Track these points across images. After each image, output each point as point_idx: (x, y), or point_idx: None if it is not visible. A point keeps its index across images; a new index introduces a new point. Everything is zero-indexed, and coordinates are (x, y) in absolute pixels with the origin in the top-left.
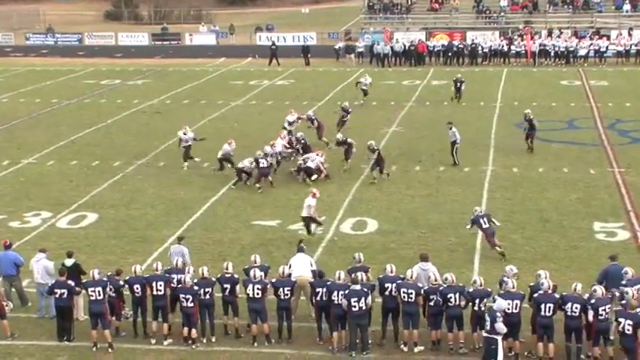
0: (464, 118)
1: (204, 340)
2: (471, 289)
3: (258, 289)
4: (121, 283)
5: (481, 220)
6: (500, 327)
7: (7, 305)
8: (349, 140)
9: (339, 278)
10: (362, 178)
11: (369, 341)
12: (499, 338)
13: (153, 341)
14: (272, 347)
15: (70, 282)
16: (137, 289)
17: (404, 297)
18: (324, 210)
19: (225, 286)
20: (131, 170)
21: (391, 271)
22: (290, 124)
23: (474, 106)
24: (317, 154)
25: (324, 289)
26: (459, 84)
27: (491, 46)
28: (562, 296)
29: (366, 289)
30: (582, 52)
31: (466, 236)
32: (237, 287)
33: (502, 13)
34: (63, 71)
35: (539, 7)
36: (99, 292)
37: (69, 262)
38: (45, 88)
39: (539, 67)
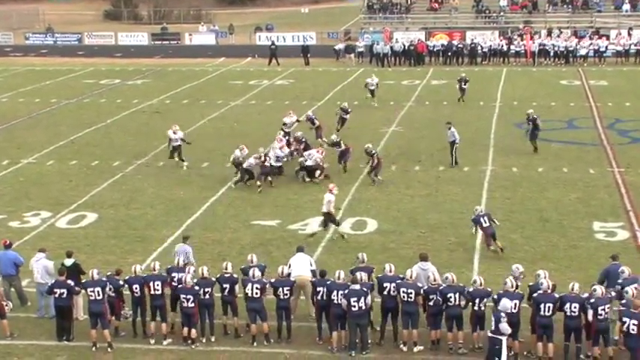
0: (463, 118)
1: (204, 340)
2: (470, 289)
3: (257, 288)
4: (121, 282)
5: (482, 219)
6: (505, 327)
7: (6, 305)
8: (342, 143)
9: (338, 278)
10: (361, 177)
11: (369, 341)
12: (503, 339)
13: (152, 341)
14: (271, 347)
15: (69, 282)
16: (136, 288)
17: (403, 297)
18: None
19: (224, 285)
20: (131, 170)
21: (390, 271)
22: (287, 125)
23: (473, 106)
24: (317, 151)
25: (324, 289)
26: (463, 83)
27: (490, 46)
28: (561, 297)
29: (365, 289)
30: (582, 52)
31: (466, 236)
32: (237, 287)
33: (501, 13)
34: (62, 71)
35: (539, 6)
36: (98, 292)
37: (68, 261)
38: (44, 88)
39: (538, 66)
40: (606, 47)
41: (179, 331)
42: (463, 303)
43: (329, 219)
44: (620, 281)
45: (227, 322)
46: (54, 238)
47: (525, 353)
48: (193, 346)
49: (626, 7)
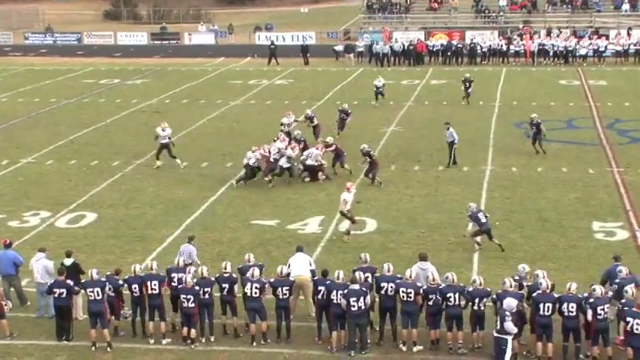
0: (463, 118)
1: (203, 340)
2: (470, 289)
3: (256, 288)
4: (120, 282)
5: (479, 215)
6: (510, 327)
7: (6, 305)
8: (336, 146)
9: (337, 278)
10: (361, 177)
11: (368, 341)
12: (509, 338)
13: (151, 341)
14: (271, 347)
15: (69, 281)
16: (135, 288)
17: (403, 296)
18: (323, 210)
19: (223, 285)
20: (130, 170)
21: (388, 270)
22: (286, 125)
23: (472, 106)
24: (316, 148)
25: (324, 289)
26: (467, 84)
27: (490, 46)
28: (559, 297)
29: (364, 289)
30: (581, 52)
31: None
32: (236, 287)
33: (501, 13)
34: (62, 71)
35: (538, 6)
36: (97, 292)
37: (68, 261)
38: (44, 88)
39: (538, 66)
40: (605, 47)
41: (179, 331)
42: (463, 303)
43: (345, 217)
44: (617, 280)
45: (226, 322)
46: (53, 237)
47: (525, 353)
48: (193, 346)
49: (626, 6)
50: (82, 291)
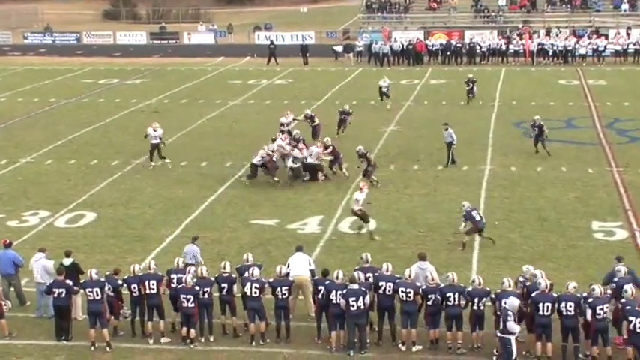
0: (462, 118)
1: (203, 340)
2: (469, 288)
3: (255, 287)
4: (119, 282)
5: (473, 214)
6: (512, 326)
7: (5, 304)
8: (334, 147)
9: (337, 277)
10: (360, 177)
11: (367, 340)
12: (512, 337)
13: (151, 341)
14: (270, 346)
15: (68, 281)
16: (134, 288)
17: (402, 296)
18: (322, 210)
19: (222, 285)
20: (129, 169)
21: (387, 270)
22: (285, 125)
23: (472, 106)
24: (316, 146)
25: (324, 288)
26: (471, 84)
27: (489, 46)
28: (558, 296)
29: (364, 289)
30: (580, 52)
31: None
32: (235, 286)
33: (500, 13)
34: (61, 70)
35: (538, 6)
36: (97, 291)
37: (67, 261)
38: (43, 87)
39: (537, 66)
40: (605, 47)
41: (178, 330)
42: (463, 303)
43: (358, 216)
44: (615, 279)
45: (225, 322)
46: (52, 237)
47: (524, 353)
48: (192, 346)
49: (625, 6)
50: (82, 291)
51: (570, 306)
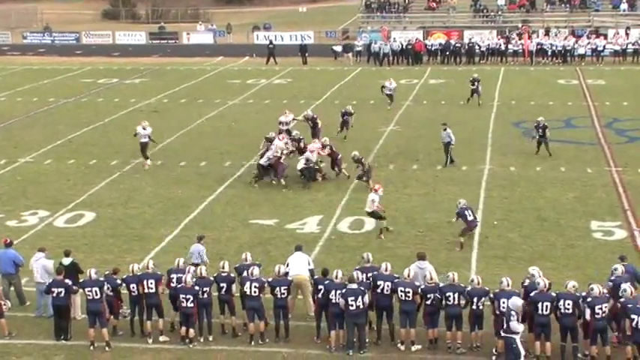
0: (461, 117)
1: (202, 339)
2: (469, 288)
3: (255, 287)
4: (118, 282)
5: (466, 212)
6: (515, 326)
7: (4, 304)
8: (333, 148)
9: (336, 277)
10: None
11: (367, 340)
12: (517, 337)
13: (150, 340)
14: (269, 346)
15: (67, 281)
16: (133, 288)
17: (401, 296)
18: (321, 209)
19: (221, 285)
20: (128, 169)
21: (386, 269)
22: (283, 124)
23: (471, 105)
24: (314, 142)
25: (323, 288)
26: (476, 83)
27: (488, 45)
28: (557, 294)
29: (362, 288)
30: (580, 51)
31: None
32: (234, 286)
33: (499, 12)
34: (60, 70)
35: (537, 6)
36: (96, 291)
37: (66, 260)
38: (42, 87)
39: (536, 66)
40: (604, 46)
41: (177, 330)
42: (463, 302)
43: (374, 217)
44: (612, 278)
45: (225, 322)
46: (52, 237)
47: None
48: (191, 346)
49: (624, 6)
50: (81, 290)
51: (569, 304)
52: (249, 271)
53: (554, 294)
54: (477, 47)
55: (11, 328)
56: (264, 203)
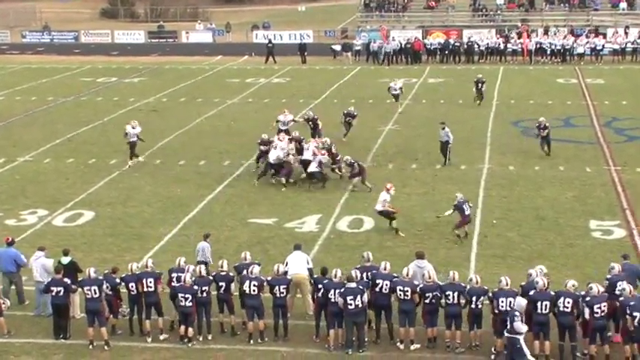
0: (460, 117)
1: (201, 338)
2: (467, 287)
3: (254, 285)
4: (117, 281)
5: (464, 206)
6: (519, 326)
7: (3, 303)
8: (332, 149)
9: (335, 276)
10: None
11: (366, 339)
12: (520, 337)
13: (149, 339)
14: (268, 345)
15: (66, 280)
16: (132, 287)
17: (400, 295)
18: (320, 208)
19: (220, 284)
20: (127, 168)
21: (385, 268)
22: (282, 123)
23: (470, 105)
24: (312, 141)
25: (322, 287)
26: (480, 84)
27: (487, 44)
28: (556, 293)
29: (361, 287)
30: (579, 50)
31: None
32: (233, 285)
33: (498, 11)
34: (59, 69)
35: (536, 5)
36: (95, 290)
37: (65, 259)
38: (41, 86)
39: (535, 65)
40: (603, 45)
41: (176, 329)
42: (463, 302)
43: (383, 216)
44: (608, 277)
45: (224, 320)
46: (51, 236)
47: None
48: (190, 345)
49: (623, 5)
50: (80, 289)
51: (568, 302)
52: (249, 269)
53: (553, 293)
54: (476, 46)
55: (10, 327)
56: (263, 202)
